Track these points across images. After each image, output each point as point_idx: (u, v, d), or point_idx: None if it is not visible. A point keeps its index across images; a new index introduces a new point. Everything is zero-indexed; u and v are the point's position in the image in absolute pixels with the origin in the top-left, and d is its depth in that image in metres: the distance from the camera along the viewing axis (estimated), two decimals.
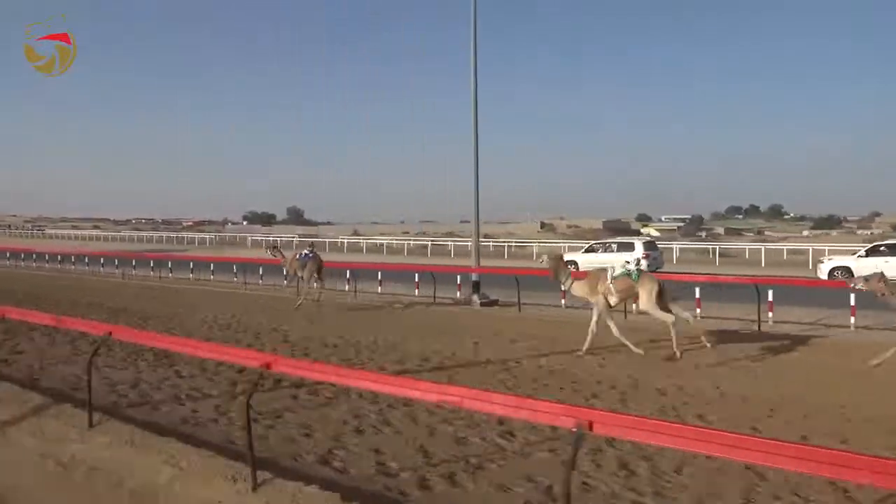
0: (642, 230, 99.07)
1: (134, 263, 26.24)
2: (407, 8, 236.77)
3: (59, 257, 30.95)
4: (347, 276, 19.11)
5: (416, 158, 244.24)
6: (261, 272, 21.35)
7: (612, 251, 24.84)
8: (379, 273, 18.78)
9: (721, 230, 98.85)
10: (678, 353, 9.07)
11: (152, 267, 25.47)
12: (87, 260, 28.77)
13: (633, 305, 11.63)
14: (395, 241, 51.54)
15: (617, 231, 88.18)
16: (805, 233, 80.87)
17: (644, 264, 10.35)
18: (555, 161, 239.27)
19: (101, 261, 27.70)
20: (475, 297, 16.03)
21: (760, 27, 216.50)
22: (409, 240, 53.30)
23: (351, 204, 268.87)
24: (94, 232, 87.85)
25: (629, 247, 24.93)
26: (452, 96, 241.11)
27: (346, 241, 53.22)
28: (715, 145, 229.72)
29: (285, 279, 17.75)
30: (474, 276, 16.23)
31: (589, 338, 9.49)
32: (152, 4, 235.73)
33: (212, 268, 22.43)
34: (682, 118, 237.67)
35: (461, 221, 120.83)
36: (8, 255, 32.64)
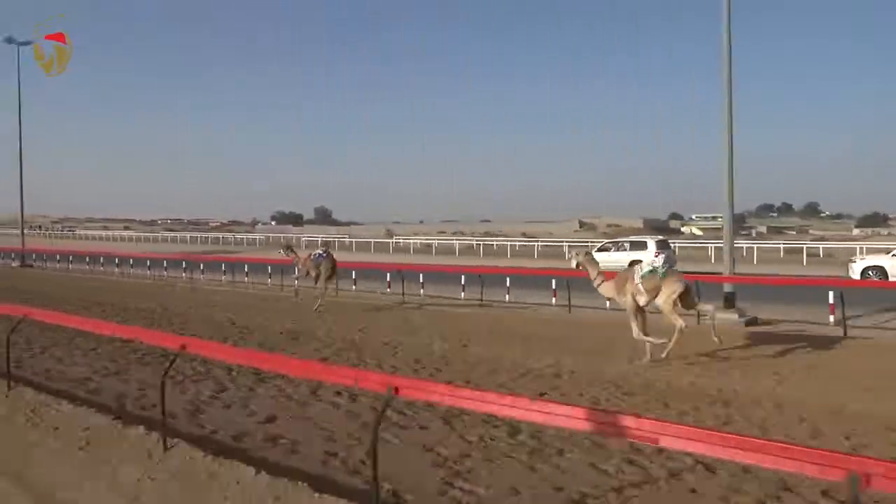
0: (683, 229, 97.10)
1: (223, 268, 24.69)
2: (407, 8, 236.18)
3: (131, 261, 29.39)
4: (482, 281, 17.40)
5: (417, 158, 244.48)
6: (386, 278, 19.40)
7: (625, 250, 24.70)
8: (507, 279, 16.89)
9: (763, 228, 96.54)
10: (665, 355, 9.11)
11: (246, 272, 23.75)
12: (165, 264, 27.10)
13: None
14: (459, 241, 50.12)
15: (658, 230, 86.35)
16: (856, 231, 78.50)
17: (660, 262, 9.67)
18: (581, 160, 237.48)
19: (184, 265, 26.14)
20: (732, 315, 12.67)
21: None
22: (475, 240, 51.59)
23: (356, 204, 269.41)
24: (127, 232, 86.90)
25: (642, 245, 24.58)
26: (452, 96, 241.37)
27: (413, 242, 51.64)
28: (742, 145, 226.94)
29: (296, 279, 17.59)
30: (728, 287, 13.49)
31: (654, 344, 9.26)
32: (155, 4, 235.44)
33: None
34: (694, 118, 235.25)
35: (481, 221, 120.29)
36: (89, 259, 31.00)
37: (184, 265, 25.85)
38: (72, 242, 60.38)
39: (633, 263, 10.25)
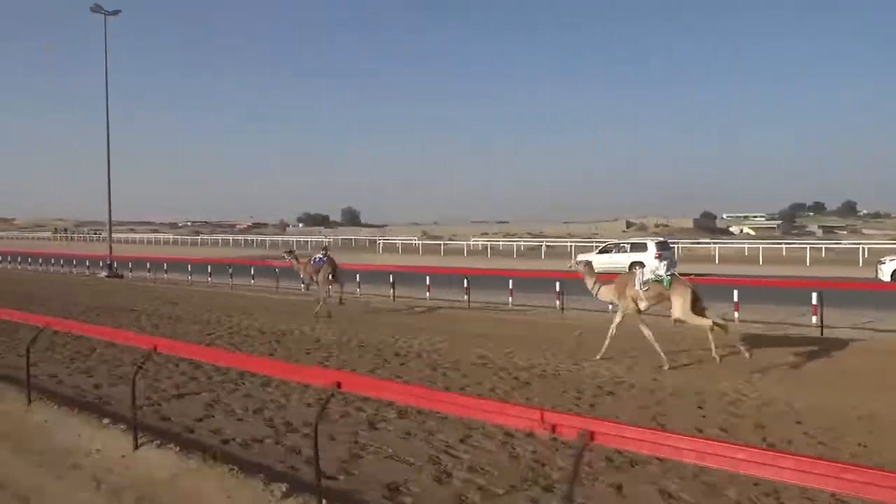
0: (732, 228, 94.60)
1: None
2: (407, 8, 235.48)
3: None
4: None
5: (417, 159, 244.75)
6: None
7: (626, 251, 25.16)
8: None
9: (815, 227, 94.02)
10: (718, 359, 8.87)
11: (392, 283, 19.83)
12: (277, 272, 23.02)
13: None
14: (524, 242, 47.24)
15: (707, 230, 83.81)
16: None
17: (663, 270, 9.21)
18: (590, 161, 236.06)
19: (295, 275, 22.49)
20: None
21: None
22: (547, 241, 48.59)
23: (364, 204, 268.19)
24: (161, 235, 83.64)
25: (642, 247, 24.84)
26: (452, 96, 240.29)
27: (489, 243, 48.64)
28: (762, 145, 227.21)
29: (302, 283, 17.21)
30: None
31: (606, 342, 9.28)
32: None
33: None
34: (712, 120, 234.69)
35: (498, 222, 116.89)
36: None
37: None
38: (140, 248, 56.93)
39: (633, 265, 9.54)
